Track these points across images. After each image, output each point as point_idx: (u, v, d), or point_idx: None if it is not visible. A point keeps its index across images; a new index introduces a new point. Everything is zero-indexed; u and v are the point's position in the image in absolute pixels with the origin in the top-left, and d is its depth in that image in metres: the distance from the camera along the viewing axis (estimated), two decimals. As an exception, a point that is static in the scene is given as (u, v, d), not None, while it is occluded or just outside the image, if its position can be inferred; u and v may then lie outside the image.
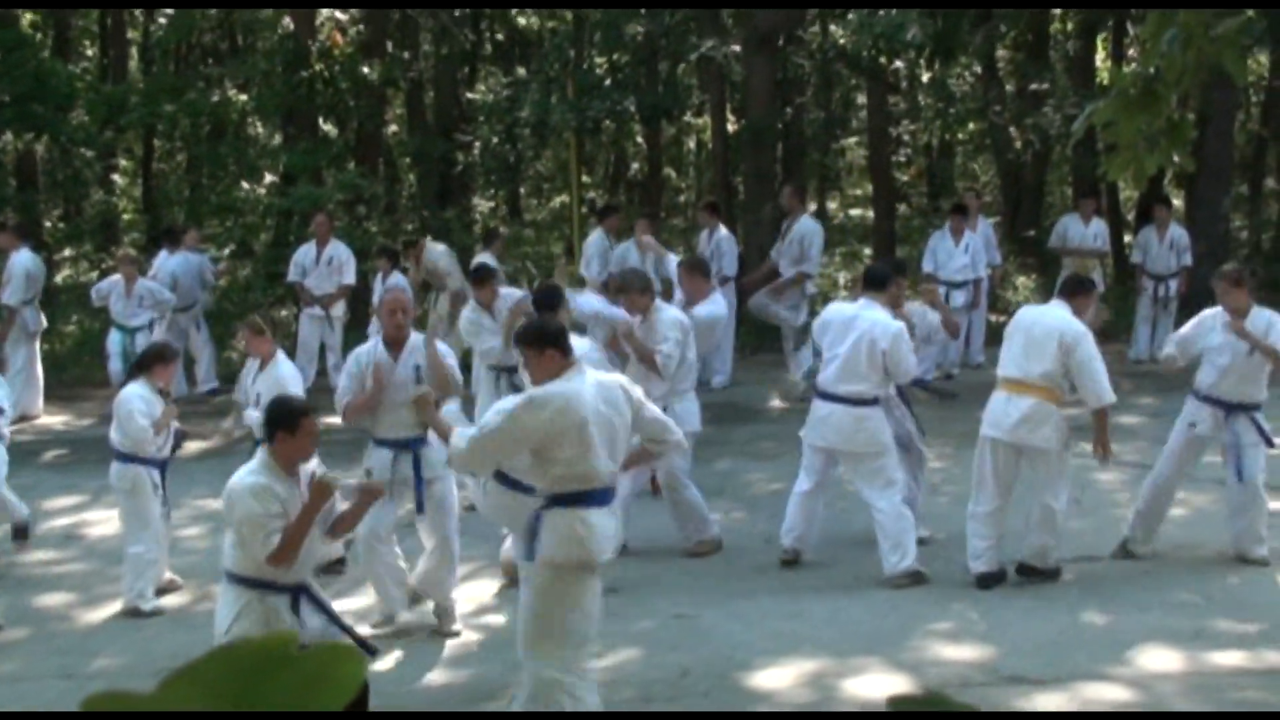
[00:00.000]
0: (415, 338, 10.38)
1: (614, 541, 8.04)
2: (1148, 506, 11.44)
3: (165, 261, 19.66)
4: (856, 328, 11.11)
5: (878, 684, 8.92)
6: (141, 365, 11.34)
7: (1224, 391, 11.19)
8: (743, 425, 16.67)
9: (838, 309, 11.60)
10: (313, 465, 8.12)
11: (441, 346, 10.61)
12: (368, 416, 10.32)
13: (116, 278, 18.67)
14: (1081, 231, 20.86)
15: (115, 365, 17.88)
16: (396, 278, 18.89)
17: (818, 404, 11.38)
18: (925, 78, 28.60)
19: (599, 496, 7.82)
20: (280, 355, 11.61)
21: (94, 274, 21.39)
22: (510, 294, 13.76)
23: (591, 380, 7.90)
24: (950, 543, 11.83)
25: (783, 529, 11.54)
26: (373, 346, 10.44)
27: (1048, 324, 10.69)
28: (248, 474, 7.93)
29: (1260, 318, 11.11)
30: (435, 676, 9.53)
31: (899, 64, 26.55)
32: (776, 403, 18.30)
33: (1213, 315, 11.36)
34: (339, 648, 1.25)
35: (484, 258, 17.49)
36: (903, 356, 11.07)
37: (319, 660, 1.23)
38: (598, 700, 8.08)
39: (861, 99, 29.19)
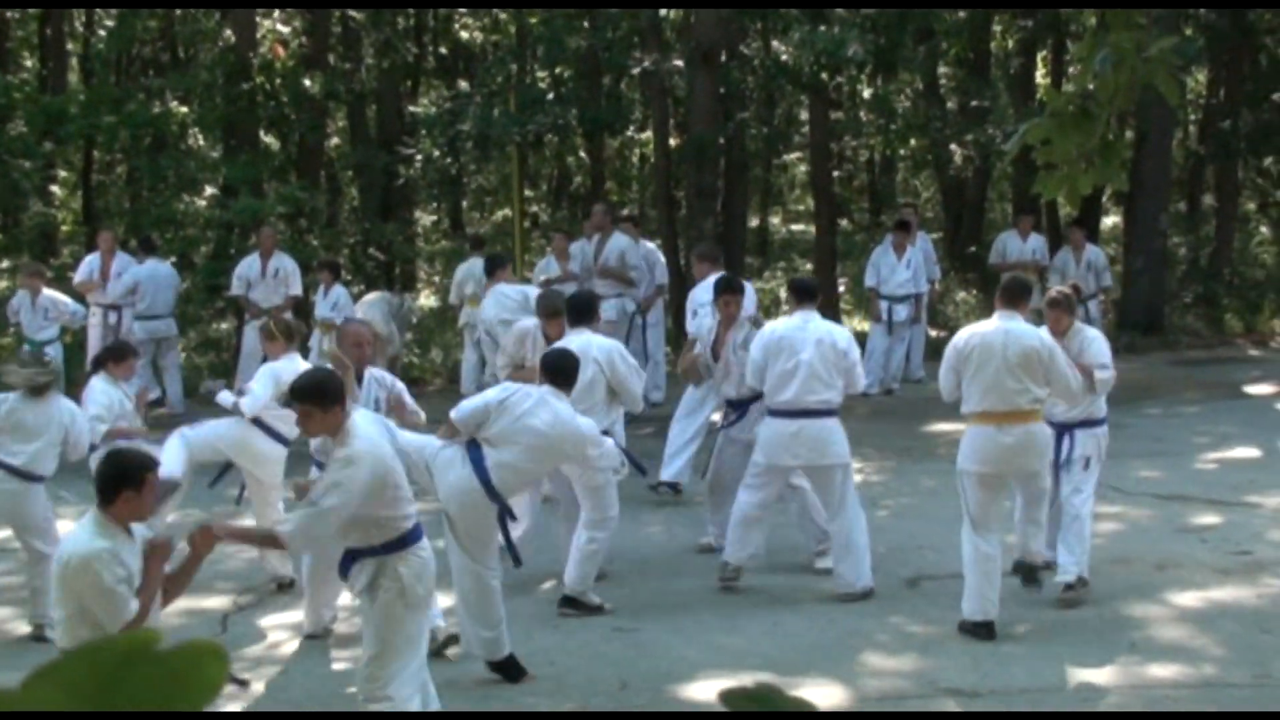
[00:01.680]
0: (373, 371, 10.36)
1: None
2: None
3: (133, 268, 19.49)
4: (811, 336, 11.15)
5: (815, 696, 8.94)
6: (97, 363, 11.57)
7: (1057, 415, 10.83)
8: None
9: (784, 324, 11.54)
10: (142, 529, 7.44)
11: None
12: None
13: (24, 292, 18.47)
14: (1020, 247, 21.08)
15: None
16: (338, 291, 18.86)
17: (780, 422, 11.21)
18: (867, 94, 28.78)
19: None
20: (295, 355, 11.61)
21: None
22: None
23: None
24: (889, 555, 11.90)
25: (730, 550, 11.32)
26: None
27: (1023, 346, 10.11)
28: (88, 539, 7.12)
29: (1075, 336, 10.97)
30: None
31: (840, 80, 26.67)
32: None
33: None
34: (202, 646, 1.25)
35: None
36: (856, 362, 11.26)
37: (182, 659, 1.22)
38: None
39: (804, 114, 29.26)
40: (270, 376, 11.07)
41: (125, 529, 7.17)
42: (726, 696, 1.21)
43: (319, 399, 7.73)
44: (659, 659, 9.77)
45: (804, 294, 11.67)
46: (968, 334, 10.42)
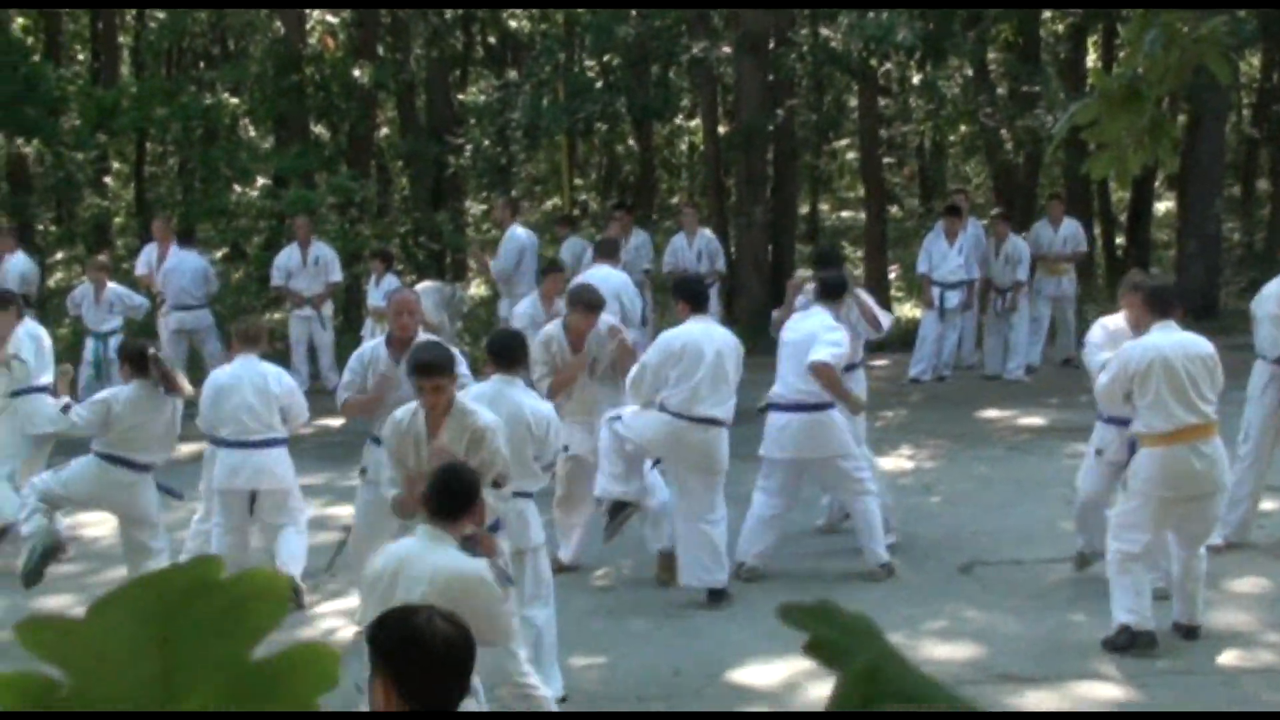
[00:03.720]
0: (420, 338, 10.30)
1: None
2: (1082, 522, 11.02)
3: (178, 260, 19.54)
4: (805, 332, 11.17)
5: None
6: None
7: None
8: (737, 426, 16.62)
9: (795, 324, 11.52)
10: None
11: None
12: (366, 415, 10.31)
13: (87, 285, 18.52)
14: (1050, 236, 20.19)
15: (86, 372, 17.68)
16: (390, 280, 18.92)
17: (776, 417, 11.30)
18: (916, 79, 28.62)
19: None
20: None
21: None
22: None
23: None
24: (943, 541, 11.87)
25: (744, 548, 11.31)
26: (375, 346, 10.41)
27: (1199, 351, 9.53)
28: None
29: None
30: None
31: (889, 66, 26.56)
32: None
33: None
34: (265, 575, 1.25)
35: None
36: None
37: (245, 586, 1.24)
38: None
39: (853, 101, 29.17)
40: (101, 401, 10.99)
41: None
42: (784, 611, 1.21)
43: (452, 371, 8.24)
44: (712, 645, 9.77)
45: (825, 292, 11.65)
46: (1140, 349, 9.53)
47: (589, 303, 11.58)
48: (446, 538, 6.74)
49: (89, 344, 18.09)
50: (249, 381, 10.92)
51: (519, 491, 8.67)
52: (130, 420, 10.69)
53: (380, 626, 4.36)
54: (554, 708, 7.88)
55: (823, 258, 13.63)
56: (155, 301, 19.80)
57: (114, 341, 17.80)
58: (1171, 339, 9.51)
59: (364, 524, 10.28)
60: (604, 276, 13.37)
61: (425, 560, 6.59)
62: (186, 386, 10.95)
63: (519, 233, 19.36)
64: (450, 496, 6.85)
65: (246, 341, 11.33)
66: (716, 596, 10.62)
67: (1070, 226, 20.51)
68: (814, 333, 11.05)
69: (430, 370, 8.19)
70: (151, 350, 11.01)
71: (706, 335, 10.77)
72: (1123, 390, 9.53)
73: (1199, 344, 9.60)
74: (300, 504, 11.31)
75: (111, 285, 18.44)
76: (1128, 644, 9.29)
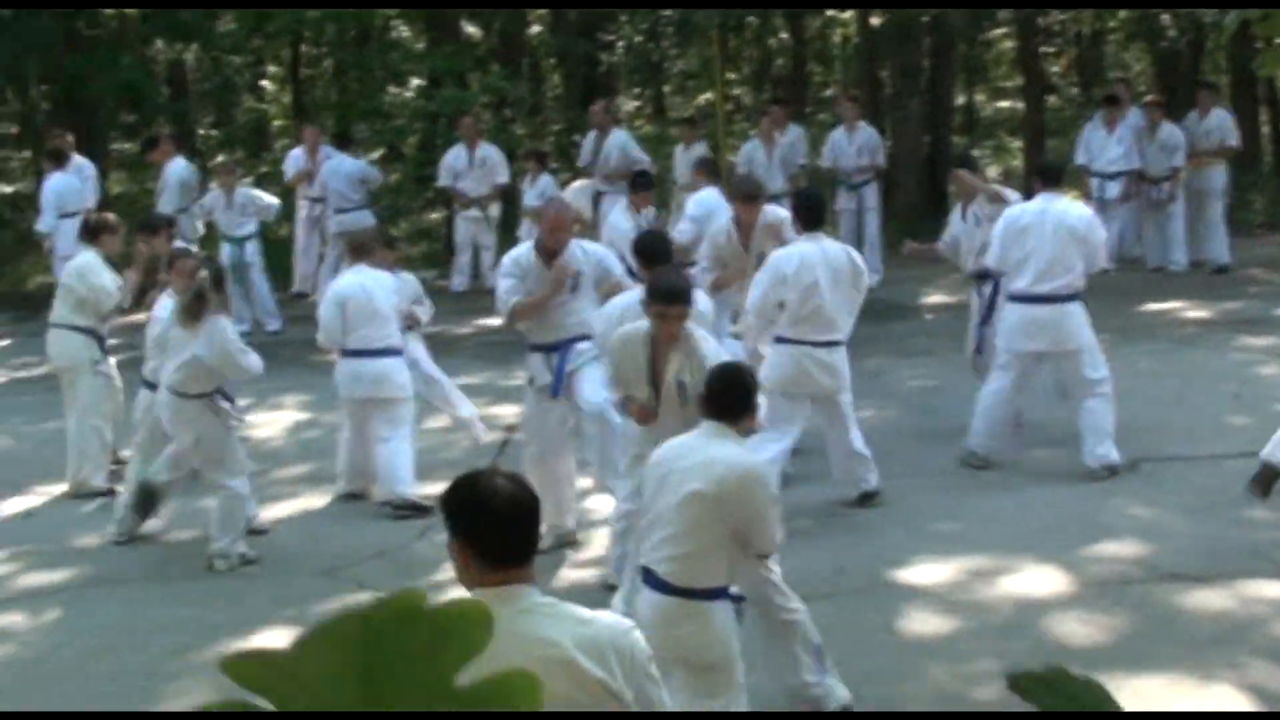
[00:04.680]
0: (571, 245, 10.22)
1: None
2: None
3: (335, 163, 19.69)
4: (1049, 221, 10.99)
5: (1035, 581, 8.89)
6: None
7: None
8: (894, 322, 16.55)
9: (1020, 210, 11.36)
10: None
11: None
12: (533, 319, 10.15)
13: (217, 191, 18.62)
14: (1196, 127, 19.41)
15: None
16: (544, 179, 18.95)
17: (1018, 308, 11.15)
18: (1076, -35, 28.04)
19: None
20: None
21: (247, 180, 21.58)
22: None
23: None
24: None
25: (978, 432, 11.32)
26: (526, 251, 10.31)
27: None
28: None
29: None
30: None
31: (1048, -49, 26.05)
32: (930, 299, 18.20)
33: None
34: (468, 606, 1.28)
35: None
36: (1098, 243, 11.10)
37: (450, 614, 1.27)
38: None
39: (1010, -12, 28.65)
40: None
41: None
42: (1014, 681, 1.20)
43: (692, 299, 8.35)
44: (876, 544, 9.76)
45: (1044, 176, 11.59)
46: None
47: (748, 193, 11.50)
48: (729, 433, 6.70)
49: (225, 249, 18.04)
50: (365, 291, 11.05)
51: None
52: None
53: (451, 493, 4.50)
54: (811, 631, 7.55)
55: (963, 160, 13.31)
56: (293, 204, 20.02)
57: (250, 246, 18.03)
58: None
59: (531, 431, 10.32)
60: (703, 198, 13.29)
61: (703, 451, 6.58)
62: None
63: (620, 135, 19.29)
64: (733, 393, 6.80)
65: (357, 252, 11.47)
66: (868, 498, 10.60)
67: (1218, 117, 19.60)
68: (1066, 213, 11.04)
69: (676, 298, 8.14)
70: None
71: (820, 254, 10.33)
72: None
73: None
74: (410, 415, 11.40)
75: (241, 188, 18.56)
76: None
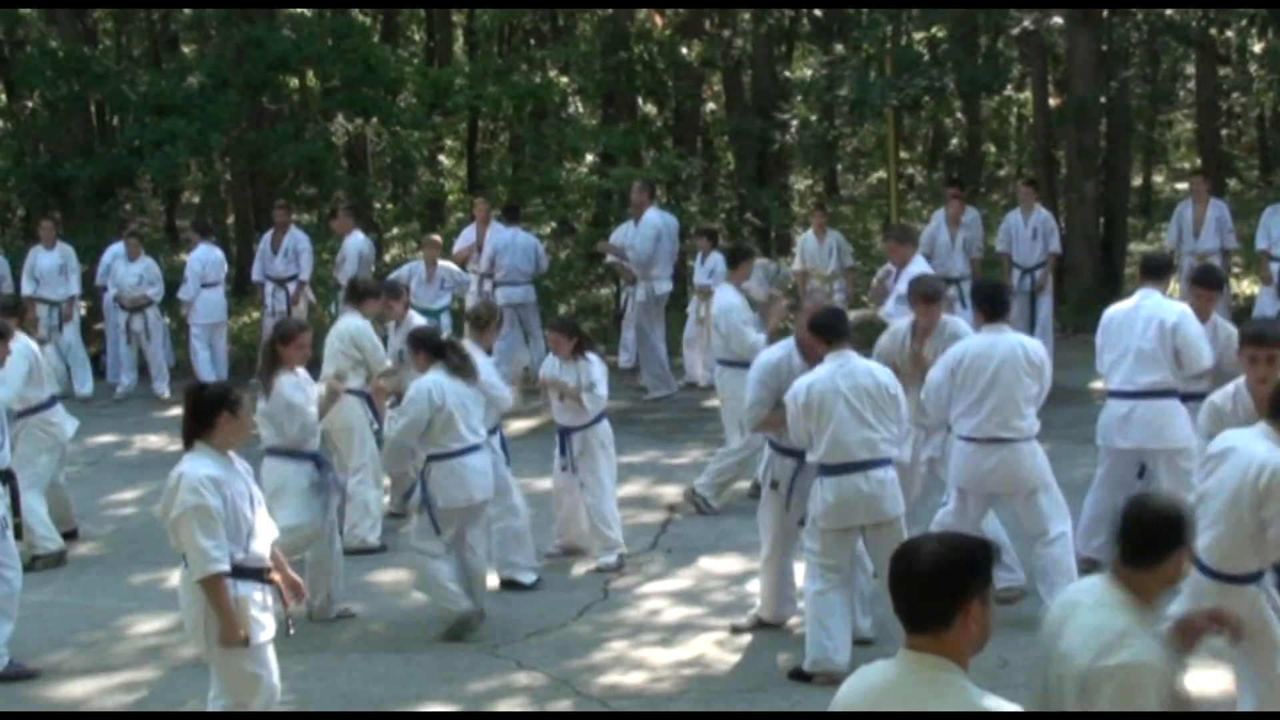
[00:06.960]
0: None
1: None
2: None
3: (492, 237, 19.84)
4: (1141, 317, 10.76)
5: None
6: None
7: None
8: (1064, 408, 16.26)
9: (1117, 307, 11.16)
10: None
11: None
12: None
13: (417, 262, 18.76)
14: None
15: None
16: (715, 257, 18.97)
17: (1114, 404, 10.95)
18: (1257, 48, 27.66)
19: None
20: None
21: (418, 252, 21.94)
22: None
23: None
24: None
25: (1080, 533, 10.93)
26: (787, 355, 10.04)
27: None
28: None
29: None
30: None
31: (1229, 34, 25.68)
32: (1098, 383, 17.87)
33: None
34: None
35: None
36: (1192, 340, 10.61)
37: None
38: None
39: (1190, 70, 28.33)
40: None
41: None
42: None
43: None
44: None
45: (1147, 271, 11.32)
46: None
47: (927, 294, 10.96)
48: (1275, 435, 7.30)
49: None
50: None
51: None
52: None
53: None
54: None
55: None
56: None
57: (444, 319, 18.18)
58: None
59: (766, 528, 10.26)
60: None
61: (1252, 449, 7.26)
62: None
63: (654, 216, 19.17)
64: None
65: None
66: None
67: None
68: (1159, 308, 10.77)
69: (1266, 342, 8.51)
70: (447, 334, 11.18)
71: (993, 346, 9.89)
72: None
73: None
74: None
75: (442, 263, 18.81)
76: None
